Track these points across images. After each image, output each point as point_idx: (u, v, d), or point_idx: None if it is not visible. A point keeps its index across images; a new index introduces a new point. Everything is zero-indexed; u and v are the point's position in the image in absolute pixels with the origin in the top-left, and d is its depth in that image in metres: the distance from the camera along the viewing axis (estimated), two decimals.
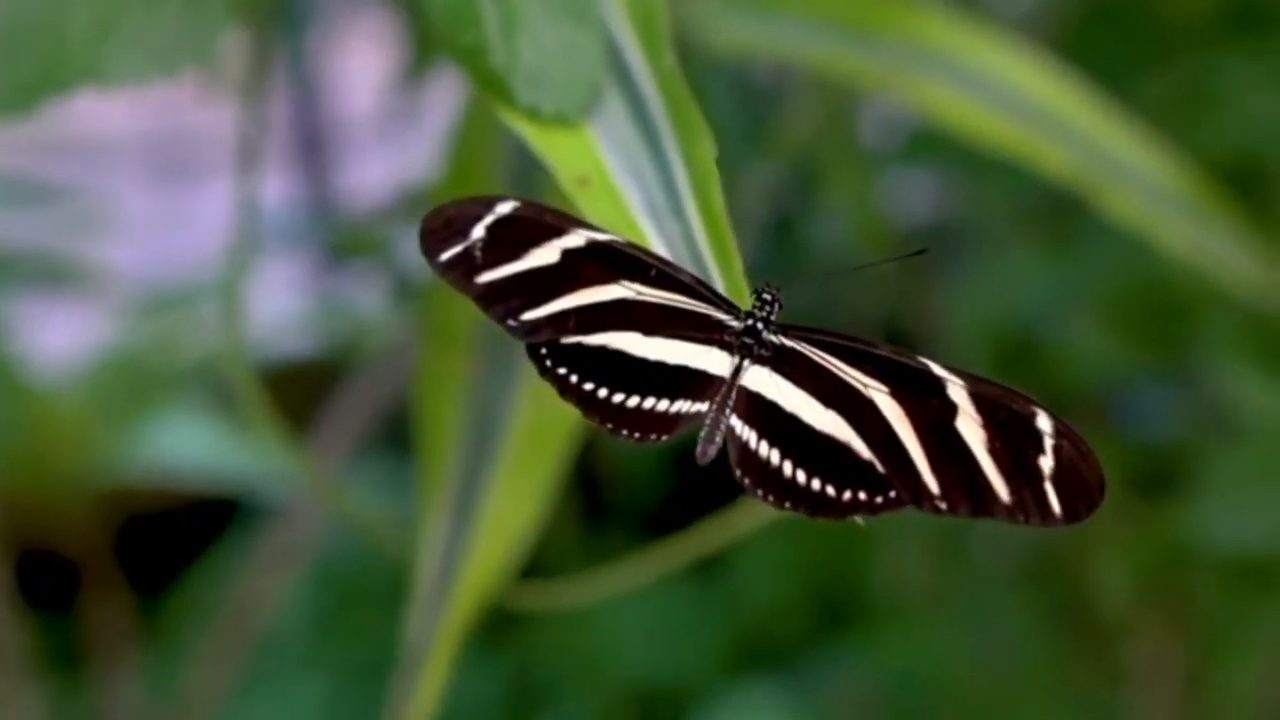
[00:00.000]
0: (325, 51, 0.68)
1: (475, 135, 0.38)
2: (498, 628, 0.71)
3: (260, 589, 0.61)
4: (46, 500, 0.62)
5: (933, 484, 0.21)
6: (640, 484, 0.74)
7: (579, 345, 0.23)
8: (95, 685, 0.64)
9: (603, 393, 0.22)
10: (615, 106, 0.27)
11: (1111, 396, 0.55)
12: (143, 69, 0.30)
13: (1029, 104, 0.40)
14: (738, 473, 0.22)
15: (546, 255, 0.23)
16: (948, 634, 0.62)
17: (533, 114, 0.26)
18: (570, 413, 0.35)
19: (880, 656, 0.64)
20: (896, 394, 0.22)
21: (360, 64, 0.67)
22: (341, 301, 0.73)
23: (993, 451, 0.21)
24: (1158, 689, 0.60)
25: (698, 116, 0.26)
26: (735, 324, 0.23)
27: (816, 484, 0.22)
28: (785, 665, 0.68)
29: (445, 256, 0.23)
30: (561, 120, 0.26)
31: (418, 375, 0.34)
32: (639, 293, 0.23)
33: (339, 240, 0.63)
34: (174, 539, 0.74)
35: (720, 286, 0.24)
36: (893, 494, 0.22)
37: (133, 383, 0.61)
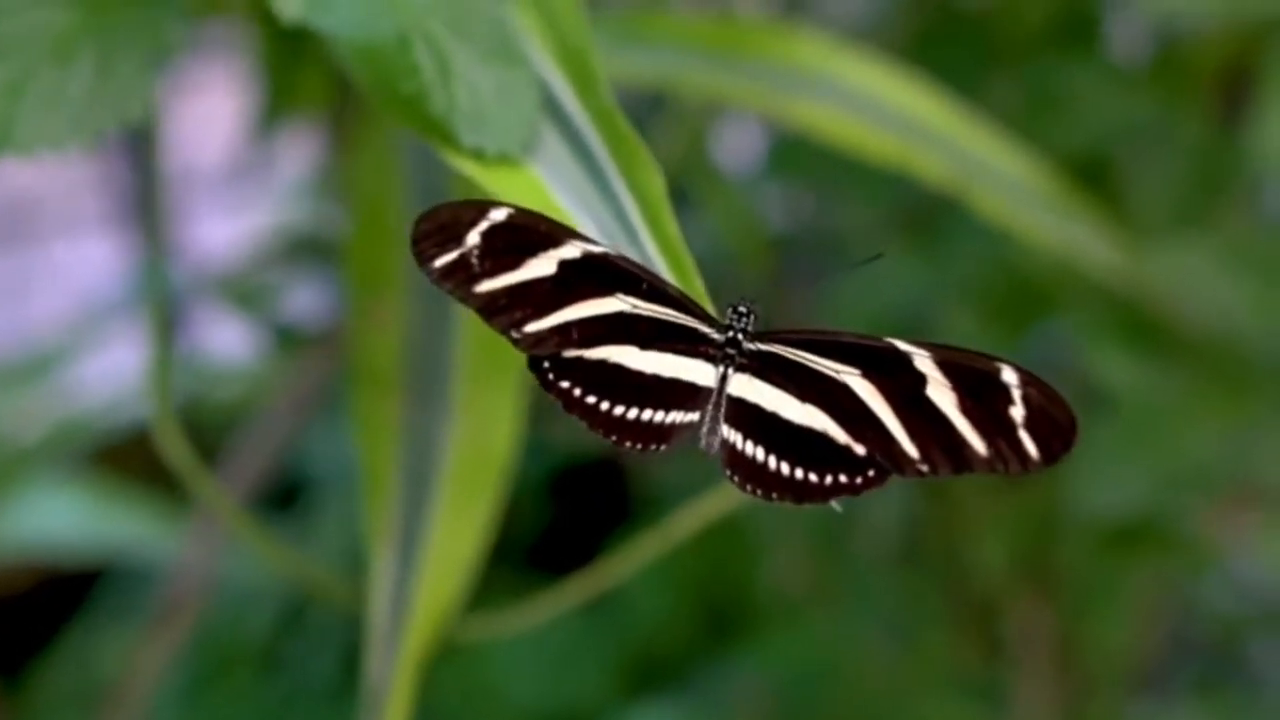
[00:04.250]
0: (166, 101, 0.66)
1: (373, 177, 0.38)
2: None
3: (139, 659, 0.59)
4: None
5: (912, 450, 0.23)
6: (522, 513, 0.75)
7: (580, 358, 0.23)
8: None
9: (605, 406, 0.23)
10: (553, 143, 0.28)
11: None
12: (57, 132, 0.29)
13: (898, 115, 0.42)
14: (727, 472, 0.24)
15: (544, 266, 0.23)
16: (835, 628, 0.64)
17: (477, 155, 0.27)
18: (504, 444, 0.36)
19: (771, 658, 0.66)
20: (868, 374, 0.23)
21: (198, 113, 0.65)
22: (191, 359, 0.72)
23: (965, 411, 0.23)
24: (1033, 659, 0.63)
25: (641, 148, 0.27)
26: (717, 336, 0.24)
27: (800, 473, 0.23)
28: (679, 680, 0.69)
29: (441, 263, 0.23)
30: (505, 159, 0.27)
31: (351, 417, 0.34)
32: (634, 306, 0.24)
33: (199, 294, 0.62)
34: (34, 618, 0.71)
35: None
36: (871, 472, 0.23)
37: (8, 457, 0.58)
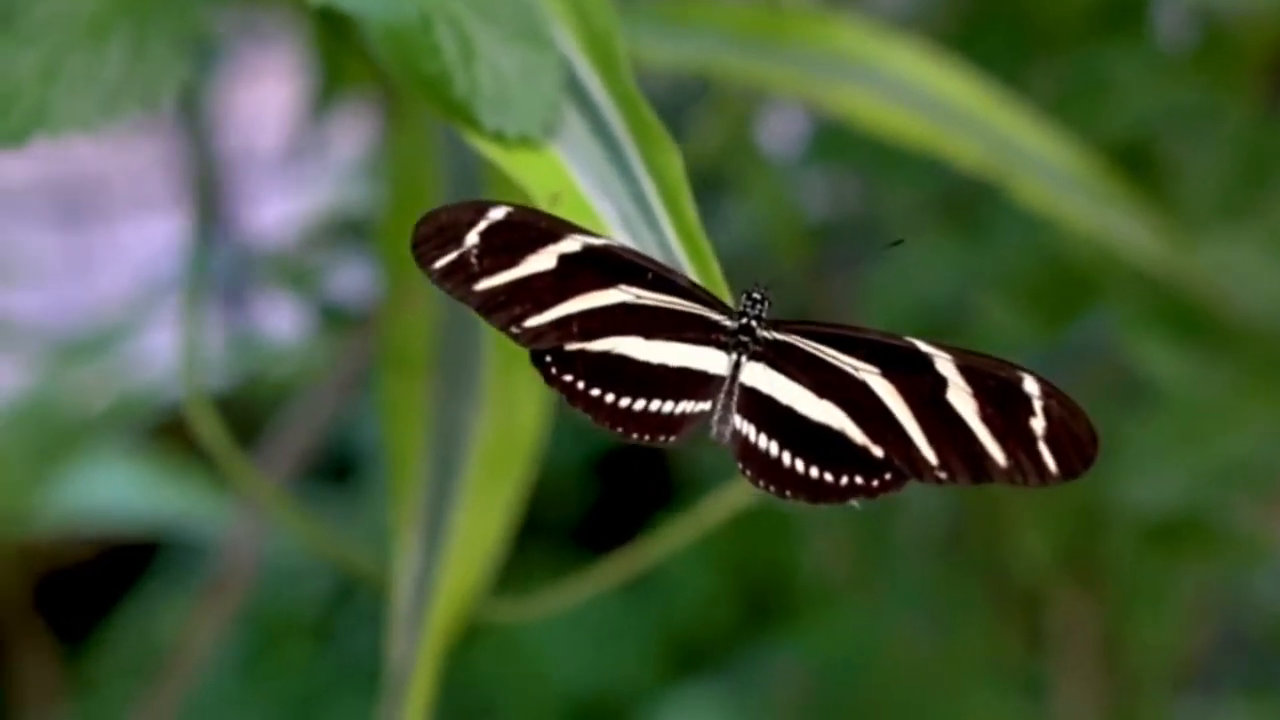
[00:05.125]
0: (226, 88, 0.67)
1: (412, 161, 0.38)
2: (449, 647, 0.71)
3: (193, 630, 0.60)
4: None
5: (931, 455, 0.23)
6: (565, 495, 0.75)
7: (583, 351, 0.23)
8: None
9: (610, 398, 0.23)
10: (576, 125, 0.28)
11: None
12: (90, 114, 0.30)
13: (935, 100, 0.42)
14: (739, 465, 0.23)
15: (543, 261, 0.23)
16: (875, 616, 0.64)
17: (498, 137, 0.27)
18: (531, 429, 0.36)
19: (812, 645, 0.66)
20: (888, 374, 0.23)
21: (258, 98, 0.66)
22: (251, 338, 0.73)
23: (985, 419, 0.22)
24: (1078, 653, 0.62)
25: (661, 131, 0.27)
26: (730, 323, 0.24)
27: (815, 471, 0.23)
28: (720, 663, 0.69)
29: (441, 264, 0.23)
30: (526, 141, 0.27)
31: (379, 400, 0.35)
32: (638, 296, 0.23)
33: (255, 274, 0.63)
34: (95, 587, 0.72)
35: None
36: (888, 475, 0.23)
37: (48, 432, 0.60)
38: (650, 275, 0.24)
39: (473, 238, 0.23)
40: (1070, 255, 0.48)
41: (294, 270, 0.56)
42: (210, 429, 0.36)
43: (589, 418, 0.23)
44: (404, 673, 0.33)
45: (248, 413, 0.63)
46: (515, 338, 0.23)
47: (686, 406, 0.23)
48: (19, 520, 0.62)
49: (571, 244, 0.23)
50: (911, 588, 0.62)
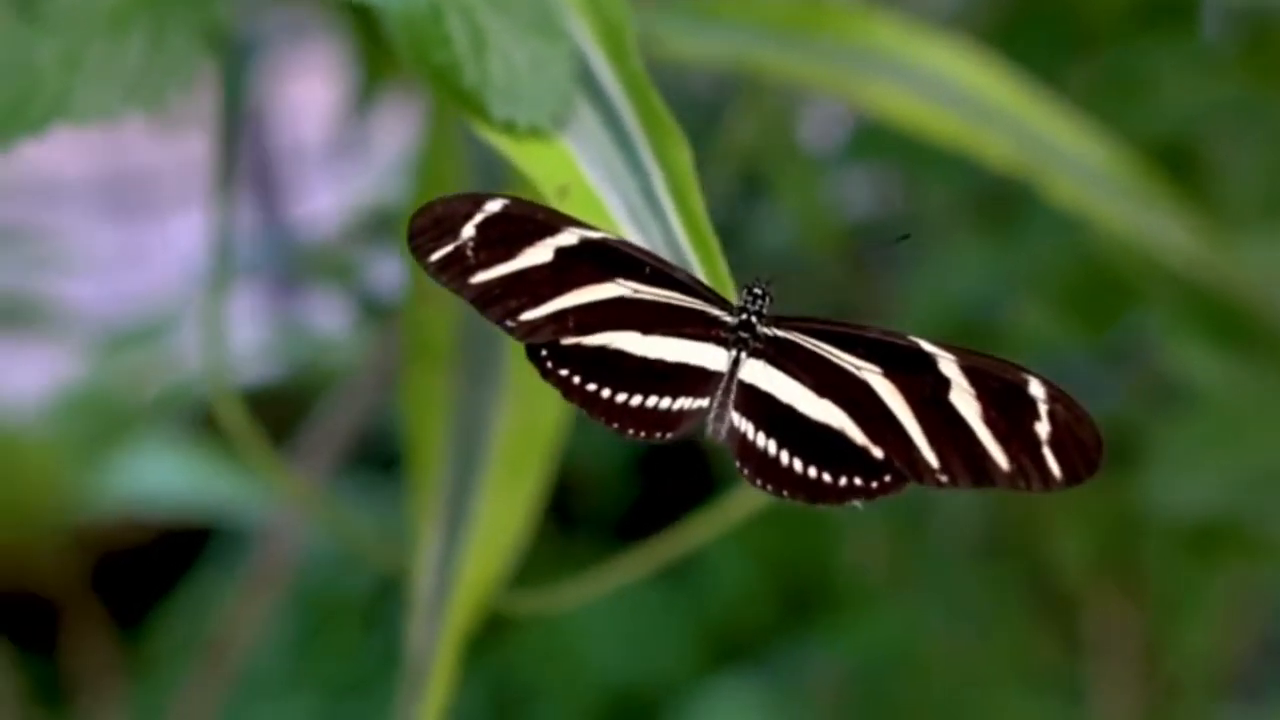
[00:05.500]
0: (273, 81, 0.68)
1: (439, 154, 0.39)
2: (475, 636, 0.72)
3: (240, 614, 0.61)
4: (22, 541, 0.62)
5: (932, 458, 0.22)
6: (607, 491, 0.75)
7: (579, 345, 0.23)
8: (84, 718, 0.64)
9: (606, 393, 0.23)
10: (587, 117, 0.28)
11: (1060, 376, 0.56)
12: (111, 103, 0.30)
13: (970, 97, 0.41)
14: (737, 463, 0.23)
15: (540, 254, 0.23)
16: (912, 615, 0.63)
17: (508, 128, 0.27)
18: (552, 422, 0.36)
19: (848, 642, 0.65)
20: (889, 373, 0.23)
21: (307, 92, 0.67)
22: (300, 327, 0.74)
23: (988, 421, 0.22)
24: (1117, 658, 0.61)
25: (670, 123, 0.27)
26: (729, 319, 0.23)
27: (813, 471, 0.23)
28: (757, 657, 0.69)
29: (436, 256, 0.23)
30: (536, 133, 0.27)
31: (402, 392, 0.35)
32: (635, 290, 0.23)
33: (301, 266, 0.64)
34: (150, 571, 0.74)
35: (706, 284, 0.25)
36: (888, 477, 0.22)
37: (101, 419, 0.61)
38: (648, 269, 0.23)
39: (469, 230, 0.23)
40: (1108, 256, 0.47)
41: (335, 263, 0.56)
42: (238, 423, 0.36)
43: (585, 413, 0.23)
44: (423, 663, 0.33)
45: (298, 402, 0.64)
46: (510, 331, 0.23)
47: (684, 403, 0.23)
48: (74, 505, 0.64)
49: (568, 237, 0.23)
50: (948, 588, 0.62)
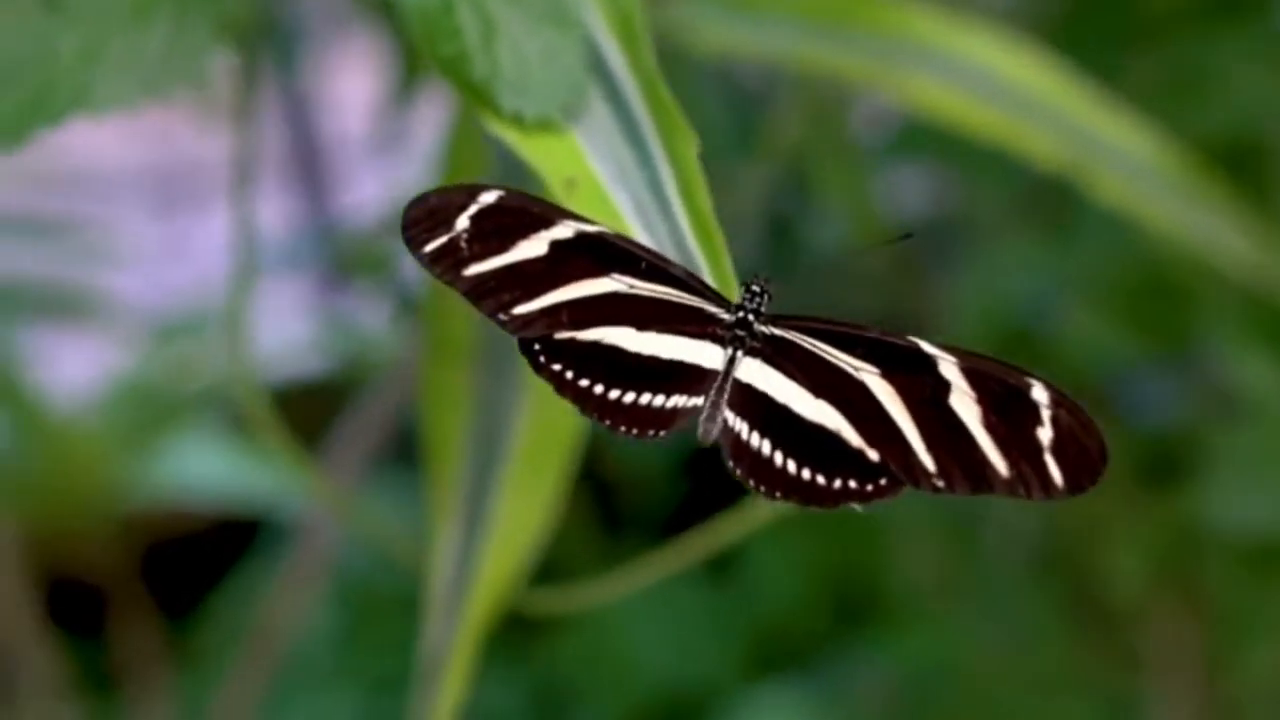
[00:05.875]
0: (317, 73, 0.68)
1: (464, 147, 0.38)
2: (519, 635, 0.72)
3: (284, 607, 0.61)
4: (71, 529, 0.62)
5: (929, 462, 0.21)
6: (653, 490, 0.75)
7: (572, 340, 0.23)
8: (128, 708, 0.65)
9: (599, 389, 0.22)
10: (599, 110, 0.27)
11: (1115, 384, 0.55)
12: (131, 94, 0.30)
13: (1015, 92, 0.40)
14: (730, 464, 0.22)
15: (535, 247, 0.23)
16: (962, 626, 0.62)
17: (516, 120, 0.27)
18: (573, 420, 0.35)
19: (897, 652, 0.64)
20: (888, 374, 0.22)
21: (352, 85, 0.67)
22: (346, 321, 0.74)
23: (989, 426, 0.21)
24: (1175, 675, 0.60)
25: (680, 117, 0.26)
26: (726, 316, 0.23)
27: (807, 473, 0.22)
28: (804, 664, 0.69)
29: (430, 248, 0.22)
30: (545, 125, 0.27)
31: (422, 388, 0.35)
32: (631, 286, 0.23)
33: (341, 259, 0.64)
34: (200, 562, 0.74)
35: (711, 282, 0.24)
36: (883, 481, 0.22)
37: (148, 410, 0.61)
38: (644, 264, 0.23)
39: (463, 222, 0.23)
40: (1164, 259, 0.45)
41: (373, 256, 0.56)
42: (262, 418, 0.36)
43: (577, 409, 0.23)
44: (437, 661, 0.32)
45: (342, 396, 0.64)
46: (503, 325, 0.23)
47: (678, 401, 0.23)
48: (123, 495, 0.64)
49: (564, 230, 0.23)
50: (999, 599, 0.61)
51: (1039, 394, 0.21)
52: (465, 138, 0.38)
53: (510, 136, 0.26)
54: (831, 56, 0.40)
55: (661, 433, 0.23)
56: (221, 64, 0.36)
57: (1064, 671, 0.59)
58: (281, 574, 0.62)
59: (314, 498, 0.58)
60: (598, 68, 0.28)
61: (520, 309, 0.22)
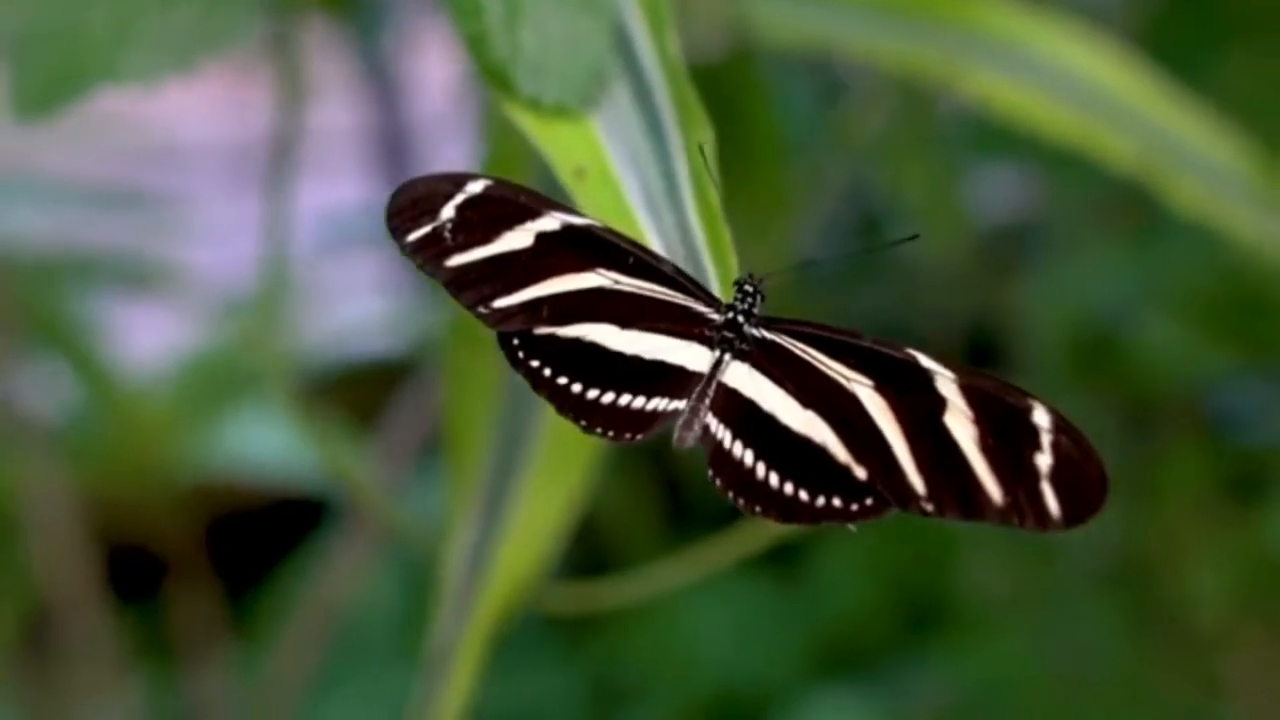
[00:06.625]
0: (402, 53, 0.68)
1: (505, 134, 0.37)
2: (580, 625, 0.71)
3: (340, 583, 0.62)
4: (136, 498, 0.63)
5: (919, 484, 0.20)
6: (710, 487, 0.73)
7: (552, 336, 0.22)
8: (184, 675, 0.66)
9: (577, 388, 0.22)
10: (622, 98, 0.27)
11: (1206, 397, 0.52)
12: (161, 67, 0.30)
13: (1089, 91, 0.38)
14: (710, 473, 0.21)
15: (519, 239, 0.22)
16: (1032, 642, 0.60)
17: (534, 104, 0.26)
18: None
19: (964, 664, 0.63)
20: (881, 387, 0.21)
21: (437, 65, 0.67)
22: (418, 300, 0.74)
23: (985, 449, 0.20)
24: (1260, 702, 0.57)
25: (699, 109, 0.25)
26: (716, 317, 0.22)
27: (790, 488, 0.21)
28: (868, 670, 0.67)
29: (413, 237, 0.22)
30: (563, 110, 0.26)
31: (447, 373, 0.34)
32: (616, 282, 0.22)
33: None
34: (263, 538, 0.75)
35: (714, 280, 0.23)
36: (870, 501, 0.21)
37: (215, 384, 0.62)
38: (632, 260, 0.22)
39: (448, 211, 0.22)
40: (1249, 268, 0.43)
41: None
42: (286, 395, 0.36)
43: (553, 407, 0.22)
44: (446, 652, 0.32)
45: (411, 376, 0.64)
46: (483, 318, 0.22)
47: (659, 403, 0.22)
48: (190, 466, 0.65)
49: (550, 222, 0.22)
50: (1073, 615, 0.58)
51: (1040, 418, 0.20)
52: (502, 127, 0.38)
53: (524, 120, 0.26)
54: (893, 48, 0.39)
55: (639, 436, 0.22)
56: (310, 41, 0.36)
57: (1134, 691, 0.57)
58: (338, 550, 0.62)
59: (360, 477, 0.58)
60: (626, 55, 0.27)
61: (500, 302, 0.22)
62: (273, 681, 0.61)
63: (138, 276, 0.60)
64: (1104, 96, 0.38)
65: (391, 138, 0.73)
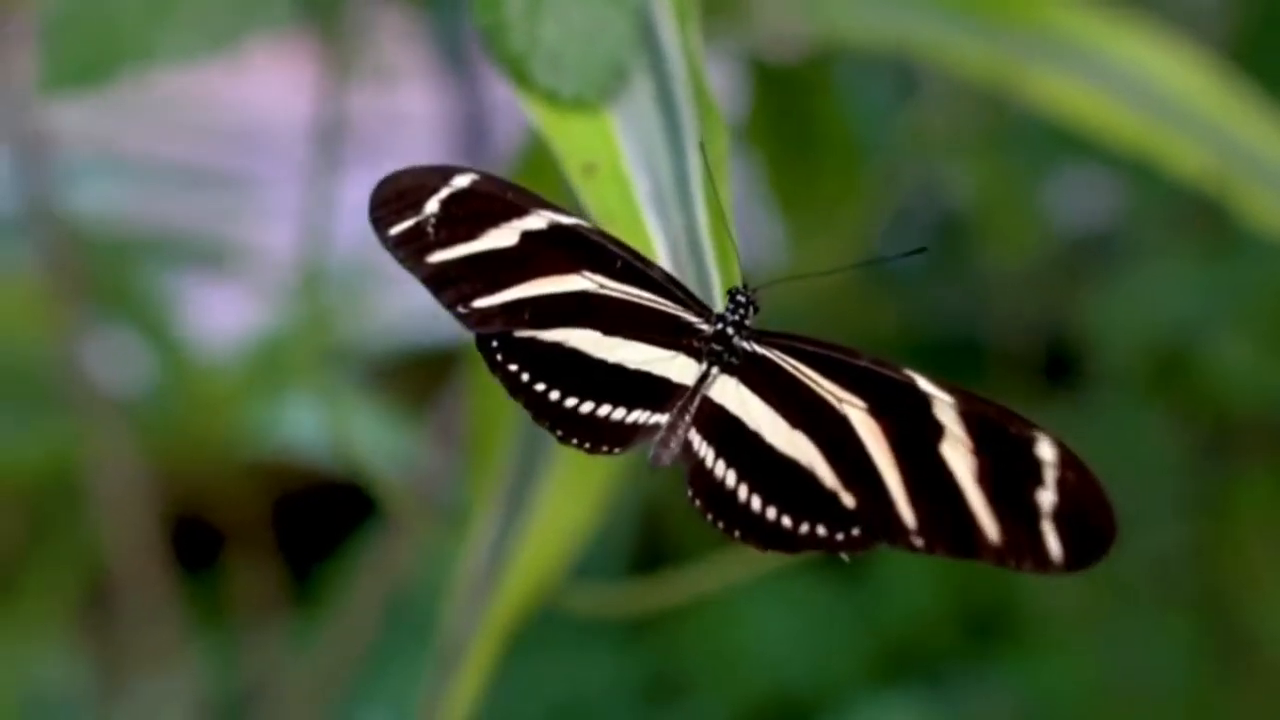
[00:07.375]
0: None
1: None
2: (640, 619, 0.71)
3: (403, 558, 0.62)
4: (203, 472, 0.64)
5: (909, 517, 0.19)
6: None
7: (533, 340, 0.21)
8: (247, 645, 0.67)
9: (554, 396, 0.21)
10: (644, 91, 0.26)
11: (1270, 422, 0.50)
12: (197, 47, 0.30)
13: (1166, 97, 0.37)
14: (689, 492, 0.20)
15: (504, 237, 0.21)
16: (1096, 659, 0.58)
17: (551, 97, 0.25)
18: None
19: (1027, 676, 0.61)
20: (874, 410, 0.19)
21: None
22: None
23: (982, 482, 0.19)
24: None
25: (717, 108, 0.24)
26: (705, 328, 0.21)
27: (772, 513, 0.20)
28: (929, 678, 0.66)
29: (395, 231, 0.21)
30: (580, 104, 0.25)
31: (470, 365, 0.34)
32: (602, 285, 0.21)
33: None
34: (328, 516, 0.76)
35: (716, 284, 0.22)
36: (855, 531, 0.19)
37: (282, 363, 0.62)
38: (620, 263, 0.21)
39: (433, 205, 0.21)
40: None
41: None
42: (319, 381, 0.36)
43: (529, 415, 0.21)
44: (455, 652, 0.31)
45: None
46: (461, 319, 0.21)
47: (640, 416, 0.21)
48: (253, 442, 0.66)
49: (537, 220, 0.21)
50: (1139, 635, 0.56)
51: (1045, 451, 0.18)
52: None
53: (538, 113, 0.25)
54: (957, 48, 0.37)
55: (617, 449, 0.21)
56: (391, 26, 0.36)
57: (1199, 716, 0.55)
58: (399, 527, 0.62)
59: (411, 460, 0.58)
60: (651, 50, 0.26)
61: (480, 302, 0.21)
62: (331, 652, 0.61)
63: (214, 256, 0.61)
64: (1180, 104, 0.36)
65: (471, 123, 0.73)
